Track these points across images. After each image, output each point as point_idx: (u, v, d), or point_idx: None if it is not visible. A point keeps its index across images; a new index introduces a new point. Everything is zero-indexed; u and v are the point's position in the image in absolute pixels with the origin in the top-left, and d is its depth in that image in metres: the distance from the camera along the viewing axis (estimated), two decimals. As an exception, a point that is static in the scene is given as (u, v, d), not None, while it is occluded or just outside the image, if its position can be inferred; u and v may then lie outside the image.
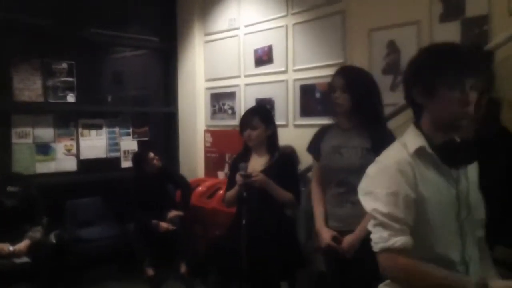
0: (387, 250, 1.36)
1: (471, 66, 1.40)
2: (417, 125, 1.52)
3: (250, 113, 2.98)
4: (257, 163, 2.91)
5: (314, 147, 2.64)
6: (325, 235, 2.46)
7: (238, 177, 2.77)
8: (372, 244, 1.42)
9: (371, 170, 1.51)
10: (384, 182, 1.43)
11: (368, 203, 1.45)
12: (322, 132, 2.63)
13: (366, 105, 2.41)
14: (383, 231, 1.38)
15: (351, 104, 2.42)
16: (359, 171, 2.37)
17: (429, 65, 1.45)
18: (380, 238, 1.38)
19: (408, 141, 1.49)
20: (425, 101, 1.46)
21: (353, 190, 2.40)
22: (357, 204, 2.37)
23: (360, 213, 2.34)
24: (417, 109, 1.52)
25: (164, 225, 4.37)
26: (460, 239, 1.44)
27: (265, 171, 2.83)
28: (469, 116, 1.42)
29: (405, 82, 1.54)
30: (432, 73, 1.42)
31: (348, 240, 2.37)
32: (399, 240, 1.35)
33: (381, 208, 1.39)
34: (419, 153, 1.45)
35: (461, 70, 1.38)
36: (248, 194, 2.72)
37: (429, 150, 1.45)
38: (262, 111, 3.07)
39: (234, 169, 2.92)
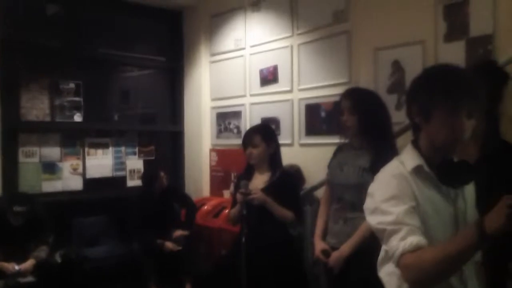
0: (403, 255, 1.31)
1: (467, 91, 1.39)
2: (415, 144, 1.52)
3: (252, 132, 3.00)
4: (258, 181, 2.92)
5: (329, 163, 2.71)
6: (317, 247, 2.56)
7: (238, 195, 2.80)
8: (392, 260, 1.36)
9: (371, 188, 1.51)
10: (384, 193, 1.42)
11: (373, 219, 1.45)
12: (337, 150, 2.70)
13: (374, 126, 2.44)
14: (394, 239, 1.35)
15: (358, 126, 2.46)
16: (355, 188, 2.43)
17: (425, 87, 1.46)
18: (393, 247, 1.34)
19: (406, 160, 1.50)
20: (421, 122, 1.47)
21: (348, 207, 2.47)
22: (348, 221, 2.47)
23: (351, 231, 2.44)
24: (415, 128, 1.53)
25: (169, 245, 4.35)
26: None
27: (265, 189, 2.83)
28: (464, 140, 1.42)
29: (406, 101, 1.56)
30: (427, 96, 1.44)
31: (333, 255, 2.45)
32: (411, 239, 1.31)
33: (386, 219, 1.38)
34: (417, 171, 1.45)
35: (456, 95, 1.38)
36: (248, 212, 2.72)
37: (426, 169, 1.45)
38: (264, 130, 3.08)
39: (237, 187, 2.93)
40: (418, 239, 1.31)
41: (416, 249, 1.30)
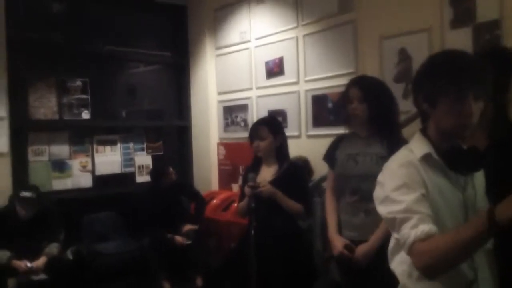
0: (414, 243, 1.30)
1: (473, 76, 1.37)
2: (424, 132, 1.51)
3: (259, 124, 2.99)
4: (266, 174, 2.91)
5: (329, 155, 2.65)
6: (337, 243, 2.45)
7: (246, 188, 2.79)
8: (404, 248, 1.36)
9: (380, 177, 1.50)
10: (393, 182, 1.42)
11: (383, 208, 1.44)
12: (338, 141, 2.63)
13: (383, 115, 2.41)
14: (405, 227, 1.34)
15: (368, 114, 2.42)
16: (374, 178, 2.38)
17: (430, 74, 1.45)
18: (405, 235, 1.33)
19: (415, 148, 1.49)
20: (428, 109, 1.46)
21: (367, 198, 2.39)
22: (371, 213, 2.37)
23: (374, 222, 2.33)
24: (424, 116, 1.52)
25: (179, 239, 4.38)
26: None
27: (273, 181, 2.82)
28: (472, 126, 1.40)
29: (412, 89, 1.54)
30: (432, 82, 1.42)
31: (362, 249, 2.36)
32: (423, 227, 1.30)
33: (396, 207, 1.37)
34: (426, 159, 1.44)
35: (461, 80, 1.36)
36: (256, 204, 2.71)
37: (435, 156, 1.44)
38: (271, 122, 3.07)
39: (245, 180, 2.92)
40: (429, 227, 1.31)
41: (427, 237, 1.29)
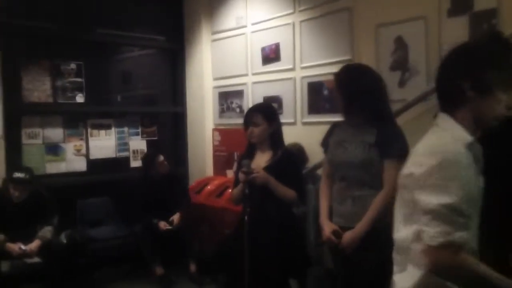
0: (448, 246, 1.28)
1: None
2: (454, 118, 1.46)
3: (253, 111, 2.99)
4: (260, 160, 2.92)
5: (324, 142, 2.67)
6: (326, 228, 2.48)
7: (240, 174, 2.79)
8: (427, 238, 1.32)
9: (430, 161, 1.36)
10: (452, 175, 1.33)
11: (431, 197, 1.33)
12: (333, 127, 2.65)
13: (361, 103, 2.39)
14: (444, 225, 1.30)
15: (343, 103, 2.44)
16: (361, 165, 2.40)
17: (487, 62, 1.41)
18: (440, 233, 1.30)
19: (457, 134, 1.42)
20: (476, 96, 1.41)
21: (355, 185, 2.42)
22: (357, 200, 2.41)
23: (361, 210, 2.37)
24: (458, 101, 1.45)
25: (161, 224, 4.39)
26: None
27: (267, 168, 2.83)
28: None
29: (450, 71, 1.48)
30: (490, 72, 1.40)
31: (347, 236, 2.38)
32: (463, 235, 1.29)
33: (446, 200, 1.30)
34: (470, 147, 1.40)
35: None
36: (250, 191, 2.72)
37: (477, 145, 1.44)
38: (265, 108, 3.07)
39: (239, 166, 2.93)
40: (467, 236, 1.30)
41: (461, 246, 1.29)
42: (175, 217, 4.47)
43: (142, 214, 4.45)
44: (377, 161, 2.35)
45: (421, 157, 1.42)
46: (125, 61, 5.71)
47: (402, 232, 1.49)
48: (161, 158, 4.64)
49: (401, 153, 2.19)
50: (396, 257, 1.54)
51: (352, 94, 2.40)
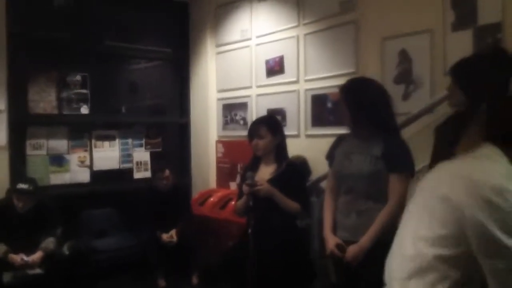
0: None
1: None
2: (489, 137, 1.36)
3: (258, 123, 3.00)
4: (264, 172, 2.92)
5: (329, 154, 2.66)
6: (330, 241, 2.46)
7: (244, 187, 2.79)
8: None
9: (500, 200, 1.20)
10: None
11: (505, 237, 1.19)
12: (339, 140, 2.65)
13: (367, 115, 2.39)
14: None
15: (349, 116, 2.44)
16: (368, 178, 2.39)
17: None
18: None
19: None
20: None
21: (360, 198, 2.41)
22: (363, 213, 2.40)
23: (366, 223, 2.35)
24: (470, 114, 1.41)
25: (164, 237, 4.38)
26: None
27: (271, 180, 2.83)
28: None
29: (471, 85, 1.45)
30: None
31: (351, 250, 2.36)
32: None
33: None
34: None
35: None
36: (254, 203, 2.71)
37: None
38: (270, 121, 3.07)
39: (243, 178, 2.93)
40: None
41: None
42: (172, 232, 4.45)
43: (149, 224, 4.43)
44: (383, 174, 2.35)
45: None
46: (130, 73, 5.73)
47: (410, 250, 1.37)
48: (167, 172, 4.64)
49: (407, 167, 2.18)
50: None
51: (358, 106, 2.40)
